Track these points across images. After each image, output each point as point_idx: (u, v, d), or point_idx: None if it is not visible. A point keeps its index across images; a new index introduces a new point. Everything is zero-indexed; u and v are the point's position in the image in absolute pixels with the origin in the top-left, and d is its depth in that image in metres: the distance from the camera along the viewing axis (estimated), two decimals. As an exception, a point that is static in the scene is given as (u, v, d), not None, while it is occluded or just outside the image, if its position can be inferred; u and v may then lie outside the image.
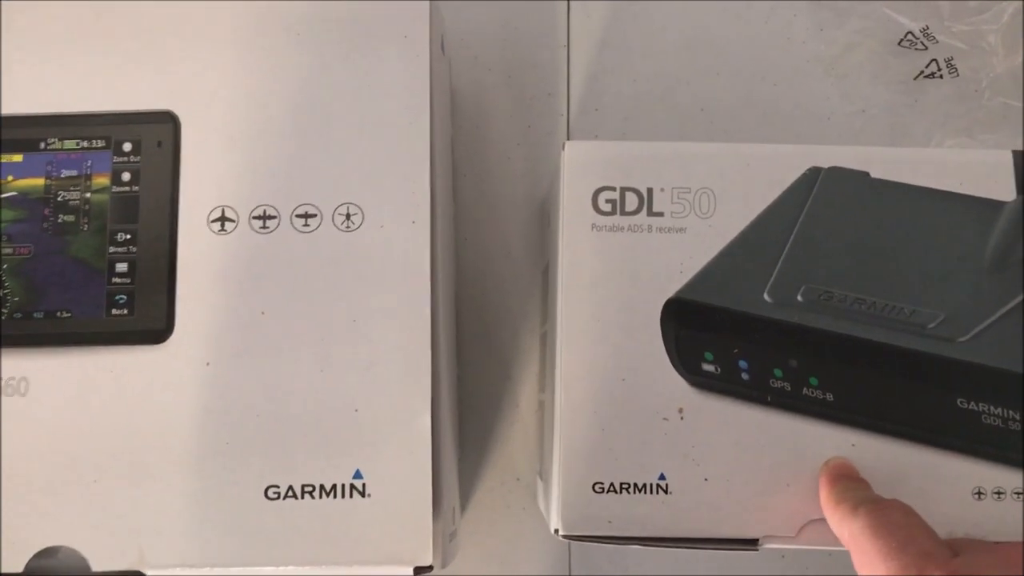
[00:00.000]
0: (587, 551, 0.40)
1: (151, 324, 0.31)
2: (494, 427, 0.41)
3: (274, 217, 0.32)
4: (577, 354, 0.31)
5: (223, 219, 0.32)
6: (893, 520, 0.27)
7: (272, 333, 0.31)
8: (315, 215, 0.32)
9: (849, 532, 0.28)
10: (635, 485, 0.31)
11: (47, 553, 0.30)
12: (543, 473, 0.34)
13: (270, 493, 0.30)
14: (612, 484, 0.31)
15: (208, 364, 0.31)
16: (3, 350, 0.31)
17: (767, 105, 0.43)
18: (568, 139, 0.43)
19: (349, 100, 0.32)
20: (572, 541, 0.31)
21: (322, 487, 0.30)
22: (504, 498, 0.40)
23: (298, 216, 0.32)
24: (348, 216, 0.32)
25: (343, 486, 0.30)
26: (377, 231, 0.32)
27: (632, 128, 0.43)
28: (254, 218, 0.32)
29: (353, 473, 0.30)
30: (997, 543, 0.29)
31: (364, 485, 0.30)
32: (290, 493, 0.30)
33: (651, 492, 0.31)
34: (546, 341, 0.36)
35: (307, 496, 0.30)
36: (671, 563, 0.40)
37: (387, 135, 0.32)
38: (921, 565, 0.25)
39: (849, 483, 0.30)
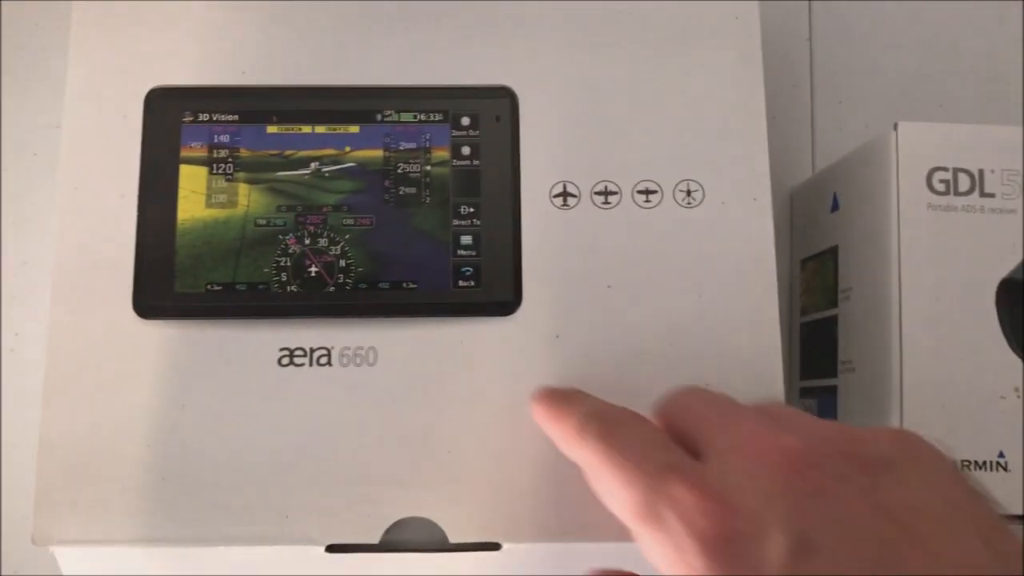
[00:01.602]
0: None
1: (500, 296, 0.31)
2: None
3: (615, 193, 0.32)
4: (920, 333, 0.32)
5: (565, 194, 0.32)
6: (624, 434, 0.24)
7: (619, 307, 0.31)
8: (656, 191, 0.32)
9: (581, 457, 0.24)
10: (975, 463, 0.31)
11: (404, 525, 0.30)
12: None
13: (626, 466, 0.30)
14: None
15: (558, 336, 0.31)
16: (349, 320, 0.31)
17: (1003, 100, 0.44)
18: (812, 130, 0.43)
19: (683, 80, 0.33)
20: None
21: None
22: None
23: (639, 192, 0.32)
24: (688, 192, 0.32)
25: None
26: (718, 208, 0.32)
27: (875, 122, 0.43)
28: (596, 194, 0.32)
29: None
30: (757, 413, 0.24)
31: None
32: (646, 466, 0.30)
33: (990, 470, 0.31)
34: (845, 323, 0.36)
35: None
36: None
37: (723, 114, 0.32)
38: (664, 479, 0.22)
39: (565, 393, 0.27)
